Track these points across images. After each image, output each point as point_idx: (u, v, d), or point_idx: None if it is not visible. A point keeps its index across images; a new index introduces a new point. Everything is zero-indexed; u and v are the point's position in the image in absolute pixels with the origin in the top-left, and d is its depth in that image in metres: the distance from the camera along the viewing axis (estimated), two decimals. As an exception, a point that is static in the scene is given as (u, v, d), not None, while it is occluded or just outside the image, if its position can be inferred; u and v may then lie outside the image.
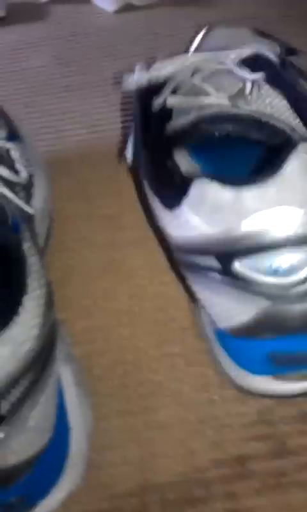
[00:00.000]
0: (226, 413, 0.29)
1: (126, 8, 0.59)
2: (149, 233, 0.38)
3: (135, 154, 0.36)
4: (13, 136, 0.39)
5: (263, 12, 0.57)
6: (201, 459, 0.28)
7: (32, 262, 0.28)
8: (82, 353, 0.31)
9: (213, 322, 0.29)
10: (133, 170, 0.40)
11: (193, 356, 0.32)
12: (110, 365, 0.32)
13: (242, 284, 0.25)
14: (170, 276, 0.35)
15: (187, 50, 0.40)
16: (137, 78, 0.33)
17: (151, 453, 0.29)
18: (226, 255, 0.25)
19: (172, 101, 0.32)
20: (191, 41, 0.40)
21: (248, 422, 0.29)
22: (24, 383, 0.24)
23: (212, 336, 0.30)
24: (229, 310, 0.27)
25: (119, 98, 0.49)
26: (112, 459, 0.28)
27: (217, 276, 0.26)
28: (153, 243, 0.37)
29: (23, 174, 0.32)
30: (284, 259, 0.24)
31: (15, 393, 0.23)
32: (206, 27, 0.40)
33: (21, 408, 0.24)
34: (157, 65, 0.33)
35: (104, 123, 0.47)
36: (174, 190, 0.27)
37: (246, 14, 0.56)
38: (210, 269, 0.26)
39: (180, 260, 0.30)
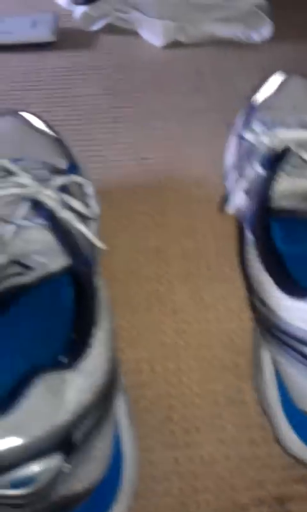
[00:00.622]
0: (267, 454, 0.31)
1: (174, 44, 0.61)
2: (195, 269, 0.39)
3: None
4: (72, 166, 0.41)
5: (304, 56, 0.59)
6: (241, 496, 0.29)
7: (103, 295, 0.30)
8: (129, 384, 0.33)
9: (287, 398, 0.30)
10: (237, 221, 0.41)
11: (236, 395, 0.33)
12: (156, 397, 0.33)
13: None
14: (213, 314, 0.37)
15: (254, 94, 0.41)
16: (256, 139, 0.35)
17: (193, 487, 0.30)
18: None
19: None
20: (259, 87, 0.42)
21: (288, 463, 0.30)
22: (95, 414, 0.25)
23: (274, 401, 0.31)
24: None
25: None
26: (156, 490, 0.30)
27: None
28: (199, 280, 0.39)
29: (95, 209, 0.33)
30: None
31: (87, 424, 0.25)
32: (283, 77, 0.41)
33: (90, 438, 0.25)
34: (276, 131, 0.34)
35: (152, 157, 0.49)
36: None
37: (288, 57, 0.58)
38: None
39: (279, 337, 0.30)
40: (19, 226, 0.32)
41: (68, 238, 0.31)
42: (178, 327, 0.37)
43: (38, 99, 0.56)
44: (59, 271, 0.31)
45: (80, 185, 0.34)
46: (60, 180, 0.33)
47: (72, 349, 0.28)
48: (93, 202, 0.33)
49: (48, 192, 0.31)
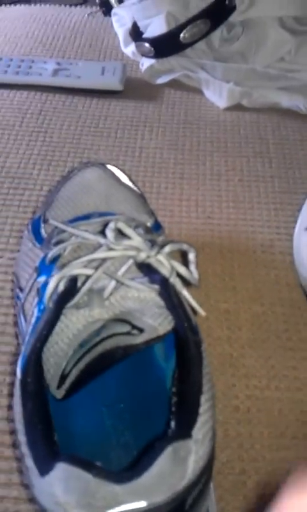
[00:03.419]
0: None
1: (236, 107, 0.64)
2: (265, 336, 0.41)
3: None
4: (157, 224, 0.43)
5: None
6: None
7: (206, 363, 0.31)
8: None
9: None
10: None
11: (309, 466, 0.34)
12: (229, 461, 0.35)
13: None
14: (285, 384, 0.38)
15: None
16: None
17: None
18: None
19: None
20: None
21: None
22: (202, 480, 0.26)
23: None
24: None
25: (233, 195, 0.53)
26: None
27: None
28: (270, 346, 0.40)
29: (195, 275, 0.35)
30: None
31: (196, 491, 0.26)
32: None
33: (197, 503, 0.26)
34: None
35: (217, 217, 0.51)
36: None
37: None
38: None
39: None
40: (123, 284, 0.33)
41: (178, 304, 0.32)
42: (251, 393, 0.38)
43: (106, 147, 0.58)
44: (166, 334, 0.32)
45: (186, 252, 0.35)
46: (170, 247, 0.34)
47: (181, 416, 0.29)
48: (193, 269, 0.35)
49: (161, 258, 0.33)
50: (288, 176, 0.55)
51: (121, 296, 0.33)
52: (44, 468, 0.25)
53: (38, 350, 0.30)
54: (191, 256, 0.35)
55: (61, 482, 0.24)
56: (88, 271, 0.32)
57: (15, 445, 0.35)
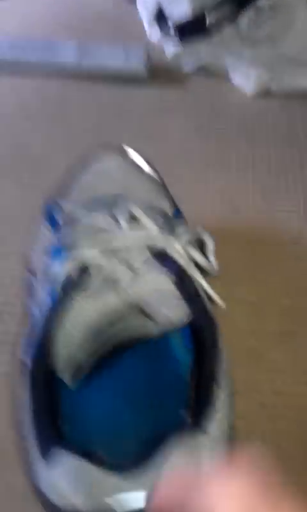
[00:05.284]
0: None
1: (264, 94, 0.62)
2: (292, 328, 0.40)
3: None
4: (177, 211, 0.41)
5: None
6: None
7: (224, 358, 0.30)
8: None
9: None
10: None
11: None
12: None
13: None
14: (312, 379, 0.37)
15: None
16: None
17: None
18: None
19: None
20: None
21: None
22: None
23: None
24: None
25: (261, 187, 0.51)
26: None
27: None
28: (297, 340, 0.39)
29: (215, 265, 0.34)
30: None
31: None
32: None
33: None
34: None
35: (244, 206, 0.49)
36: None
37: None
38: None
39: None
40: (139, 272, 0.32)
41: (195, 295, 0.31)
42: (277, 387, 0.37)
43: (128, 134, 0.57)
44: (182, 324, 0.31)
45: (203, 241, 0.34)
46: (187, 236, 0.33)
47: (196, 408, 0.28)
48: (212, 258, 0.34)
49: (177, 246, 0.32)
50: (319, 165, 0.53)
51: (137, 286, 0.32)
52: (49, 459, 0.24)
53: (49, 337, 0.29)
54: (210, 245, 0.33)
55: (66, 474, 0.24)
56: (101, 259, 0.31)
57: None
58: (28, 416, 0.27)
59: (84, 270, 0.30)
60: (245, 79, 0.62)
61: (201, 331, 0.31)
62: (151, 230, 0.33)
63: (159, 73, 0.65)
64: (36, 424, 0.26)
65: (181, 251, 0.33)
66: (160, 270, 0.32)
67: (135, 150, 0.53)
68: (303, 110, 0.60)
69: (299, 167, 0.53)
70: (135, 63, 0.64)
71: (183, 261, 0.32)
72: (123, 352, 0.33)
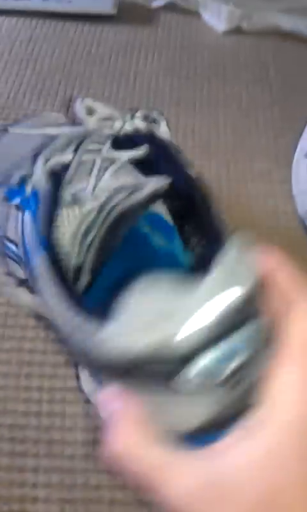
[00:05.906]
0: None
1: (235, 31, 0.60)
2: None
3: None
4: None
5: None
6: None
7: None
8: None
9: None
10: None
11: None
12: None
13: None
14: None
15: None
16: None
17: None
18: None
19: None
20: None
21: None
22: None
23: None
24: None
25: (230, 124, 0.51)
26: None
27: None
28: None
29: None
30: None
31: None
32: None
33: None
34: None
35: (214, 145, 0.49)
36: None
37: None
38: None
39: None
40: (110, 160, 0.31)
41: (172, 156, 0.31)
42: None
43: (99, 74, 0.56)
44: (164, 188, 0.30)
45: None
46: (141, 112, 0.32)
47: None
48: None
49: (137, 122, 0.31)
50: (289, 102, 0.53)
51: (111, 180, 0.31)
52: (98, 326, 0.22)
53: (51, 230, 0.28)
54: (163, 126, 0.33)
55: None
56: (68, 156, 0.30)
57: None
58: (64, 304, 0.25)
59: (55, 177, 0.29)
60: (216, 16, 0.61)
61: (186, 188, 0.30)
62: (107, 112, 0.32)
63: (128, 10, 0.63)
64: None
65: (142, 126, 0.32)
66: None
67: (105, 89, 0.53)
68: (274, 48, 0.59)
69: (269, 104, 0.53)
70: (103, 0, 0.62)
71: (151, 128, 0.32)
72: (120, 235, 0.31)
